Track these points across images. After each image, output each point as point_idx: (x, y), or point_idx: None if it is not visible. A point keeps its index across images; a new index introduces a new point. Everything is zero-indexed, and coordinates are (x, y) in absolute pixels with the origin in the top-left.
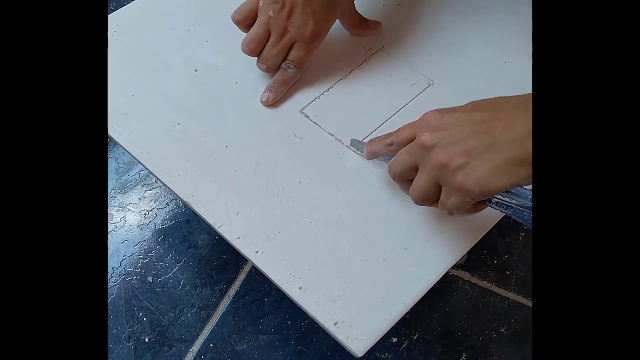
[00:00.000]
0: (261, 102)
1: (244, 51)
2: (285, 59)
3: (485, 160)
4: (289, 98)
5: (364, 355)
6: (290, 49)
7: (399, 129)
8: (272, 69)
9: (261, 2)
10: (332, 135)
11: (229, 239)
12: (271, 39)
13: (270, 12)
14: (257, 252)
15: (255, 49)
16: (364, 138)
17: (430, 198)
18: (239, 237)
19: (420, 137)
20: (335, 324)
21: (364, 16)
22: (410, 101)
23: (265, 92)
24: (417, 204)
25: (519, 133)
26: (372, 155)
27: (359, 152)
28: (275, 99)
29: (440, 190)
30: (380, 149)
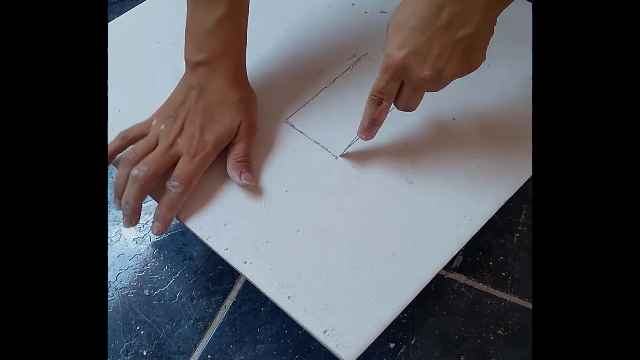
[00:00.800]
0: (153, 232)
1: (126, 158)
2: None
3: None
4: (274, 108)
5: None
6: (176, 164)
7: (374, 85)
8: (152, 177)
9: (154, 120)
10: (318, 144)
11: (217, 251)
12: (159, 147)
13: (163, 126)
14: (245, 262)
15: (142, 155)
16: (351, 143)
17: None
18: (227, 249)
19: (425, 75)
20: (325, 332)
21: (247, 161)
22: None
23: (154, 222)
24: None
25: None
26: (373, 126)
27: (353, 144)
28: (166, 228)
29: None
30: (378, 115)
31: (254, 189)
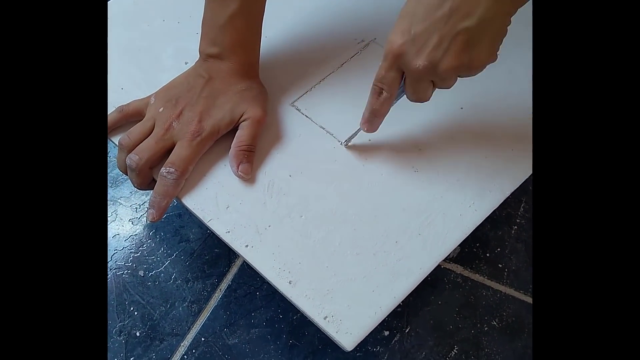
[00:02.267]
0: (147, 220)
1: (121, 142)
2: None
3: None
4: (279, 91)
5: (356, 348)
6: (172, 149)
7: (376, 73)
8: (145, 165)
9: (152, 99)
10: (324, 129)
11: (218, 233)
12: (154, 132)
13: (161, 109)
14: (246, 246)
15: (136, 141)
16: (352, 137)
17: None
18: (229, 231)
19: (419, 65)
20: (325, 318)
21: (250, 150)
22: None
23: (149, 209)
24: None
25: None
26: (374, 117)
27: (357, 136)
28: (161, 215)
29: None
30: (379, 106)
31: (258, 172)
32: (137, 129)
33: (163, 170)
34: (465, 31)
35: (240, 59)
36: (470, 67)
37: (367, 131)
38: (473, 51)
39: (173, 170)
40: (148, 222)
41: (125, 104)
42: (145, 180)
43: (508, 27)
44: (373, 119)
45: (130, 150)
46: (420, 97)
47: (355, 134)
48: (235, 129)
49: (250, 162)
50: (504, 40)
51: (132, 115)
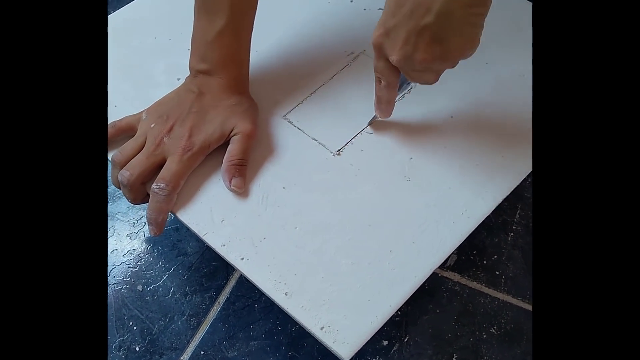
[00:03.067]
0: (151, 235)
1: (114, 159)
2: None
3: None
4: (271, 104)
5: (354, 358)
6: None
7: (373, 64)
8: (137, 181)
9: (144, 115)
10: (316, 140)
11: (214, 247)
12: (145, 148)
13: (152, 125)
14: (242, 259)
15: (128, 157)
16: (349, 141)
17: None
18: (224, 245)
19: (394, 59)
20: (322, 328)
21: (242, 164)
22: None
23: (148, 225)
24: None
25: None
26: (382, 105)
27: (375, 120)
28: (161, 229)
29: None
30: (381, 93)
31: (252, 185)
32: (129, 145)
33: (154, 186)
34: (427, 26)
35: (229, 74)
36: (445, 59)
37: (381, 117)
38: (443, 43)
39: (164, 185)
40: (152, 235)
41: (118, 119)
42: (138, 195)
43: (485, 19)
44: (380, 105)
45: (122, 167)
46: (421, 82)
47: (372, 120)
48: (227, 144)
49: (242, 176)
50: (492, 47)
51: (125, 131)
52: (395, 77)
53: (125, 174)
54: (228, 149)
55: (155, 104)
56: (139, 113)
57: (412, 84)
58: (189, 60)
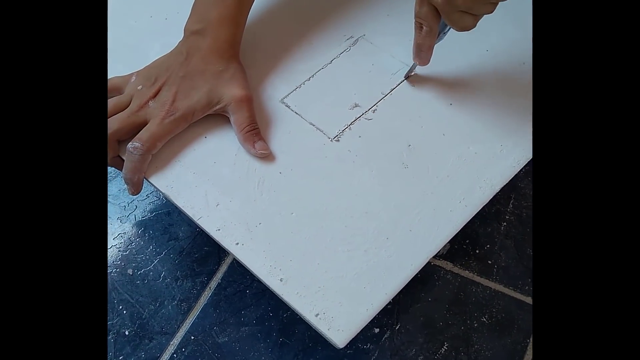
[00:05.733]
0: (129, 194)
1: None
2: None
3: None
4: (269, 87)
5: (346, 346)
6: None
7: (415, 10)
8: (113, 136)
9: (134, 77)
10: (313, 125)
11: (208, 231)
12: (128, 107)
13: (140, 87)
14: (237, 244)
15: (110, 112)
16: (347, 126)
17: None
18: (219, 229)
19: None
20: (317, 315)
21: (255, 128)
22: (393, 90)
23: (127, 185)
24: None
25: None
26: (422, 52)
27: (413, 72)
28: (139, 189)
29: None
30: (422, 40)
31: (247, 169)
32: (112, 101)
33: (129, 145)
34: None
35: (222, 35)
36: None
37: (420, 64)
38: None
39: (139, 145)
40: (130, 194)
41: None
42: (109, 152)
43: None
44: (420, 52)
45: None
46: (461, 26)
47: (411, 69)
48: (225, 120)
49: (262, 139)
50: (492, 34)
51: (110, 91)
52: (437, 22)
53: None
54: (232, 120)
55: (146, 67)
56: (128, 75)
57: (447, 31)
58: (185, 23)
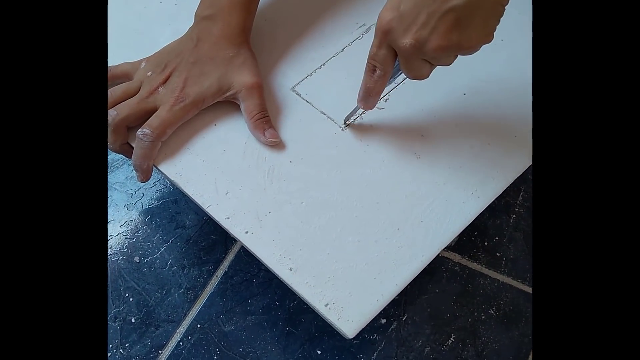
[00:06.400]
0: (138, 181)
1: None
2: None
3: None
4: (279, 75)
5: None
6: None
7: (370, 52)
8: (122, 122)
9: (143, 63)
10: (324, 114)
11: (217, 220)
12: (138, 93)
13: (150, 73)
14: (246, 232)
15: (117, 98)
16: (358, 116)
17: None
18: (228, 218)
19: (406, 44)
20: (326, 305)
21: (265, 116)
22: (405, 79)
23: (136, 172)
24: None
25: None
26: (368, 96)
27: (357, 116)
28: (148, 176)
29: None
30: (373, 84)
31: (257, 158)
32: (120, 88)
33: (139, 132)
34: (453, 10)
35: (233, 21)
36: (460, 47)
37: (365, 109)
38: (463, 31)
39: (149, 132)
40: (139, 181)
41: (114, 65)
42: (118, 138)
43: (506, 7)
44: (368, 97)
45: (110, 107)
46: (416, 75)
47: (353, 112)
48: (235, 107)
49: (272, 127)
50: (507, 24)
51: (119, 77)
52: (392, 66)
53: (111, 114)
54: (242, 108)
55: (156, 53)
56: (138, 61)
57: (400, 79)
58: (196, 9)
